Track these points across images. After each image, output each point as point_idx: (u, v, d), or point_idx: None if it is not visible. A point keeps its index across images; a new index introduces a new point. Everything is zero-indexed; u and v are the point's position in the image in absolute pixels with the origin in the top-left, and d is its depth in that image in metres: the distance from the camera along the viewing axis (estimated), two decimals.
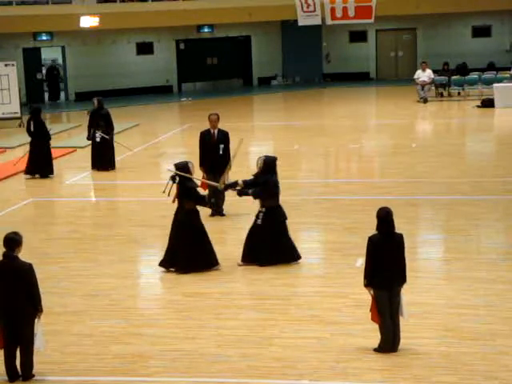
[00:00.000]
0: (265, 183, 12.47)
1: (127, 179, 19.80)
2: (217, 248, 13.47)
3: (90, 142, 21.17)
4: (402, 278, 9.28)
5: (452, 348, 9.25)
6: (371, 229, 14.26)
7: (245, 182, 12.92)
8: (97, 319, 10.57)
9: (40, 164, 19.97)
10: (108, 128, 20.68)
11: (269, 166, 12.68)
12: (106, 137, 20.58)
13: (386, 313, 9.10)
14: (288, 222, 15.08)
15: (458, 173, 18.80)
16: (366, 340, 9.50)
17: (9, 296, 8.64)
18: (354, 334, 9.72)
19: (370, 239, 9.27)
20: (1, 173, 20.62)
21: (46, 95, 38.40)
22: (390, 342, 9.10)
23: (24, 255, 13.76)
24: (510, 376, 8.55)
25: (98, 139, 20.50)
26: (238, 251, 13.61)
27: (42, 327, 8.84)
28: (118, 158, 21.53)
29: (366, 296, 11.00)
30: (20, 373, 8.77)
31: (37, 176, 20.04)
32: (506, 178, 17.91)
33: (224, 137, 15.65)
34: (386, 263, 9.08)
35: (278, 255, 12.43)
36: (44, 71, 38.68)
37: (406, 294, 11.07)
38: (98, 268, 12.77)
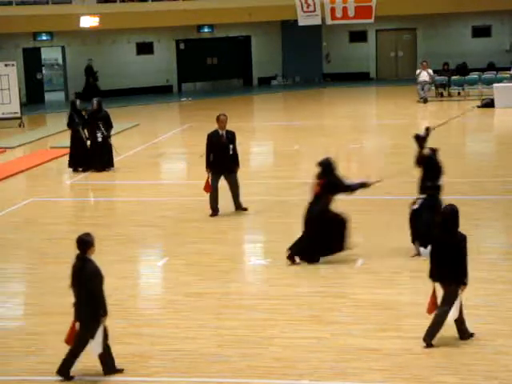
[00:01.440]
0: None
1: (127, 179, 19.79)
2: (217, 248, 13.50)
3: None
4: None
5: (452, 348, 9.25)
6: (371, 229, 14.35)
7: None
8: None
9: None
10: (108, 129, 20.67)
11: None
12: (109, 135, 20.59)
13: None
14: (288, 221, 15.16)
15: (458, 173, 18.78)
16: (366, 340, 9.50)
17: (78, 296, 8.80)
18: (354, 334, 9.72)
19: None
20: (1, 173, 20.62)
21: (46, 95, 38.36)
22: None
23: (24, 255, 13.87)
24: (510, 376, 8.55)
25: (99, 139, 20.49)
26: (238, 251, 13.63)
27: (101, 331, 8.74)
28: (117, 158, 21.53)
29: (365, 296, 11.03)
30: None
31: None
32: (506, 178, 17.91)
33: (232, 136, 15.76)
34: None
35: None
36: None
37: (406, 293, 11.11)
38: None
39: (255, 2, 37.21)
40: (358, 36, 41.60)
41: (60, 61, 39.83)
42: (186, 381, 8.78)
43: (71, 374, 8.84)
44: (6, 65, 29.47)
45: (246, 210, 15.65)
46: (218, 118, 15.68)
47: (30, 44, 36.95)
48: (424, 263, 12.60)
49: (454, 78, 32.85)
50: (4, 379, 8.95)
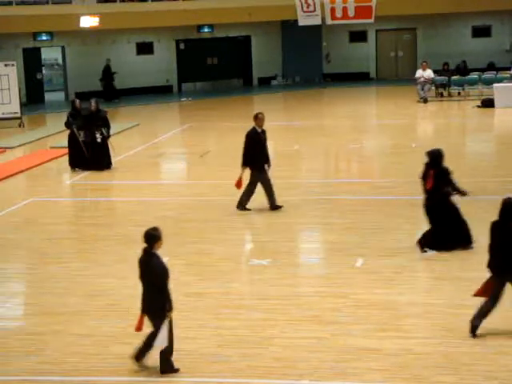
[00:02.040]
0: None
1: (127, 179, 19.80)
2: (217, 248, 13.50)
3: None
4: None
5: (452, 348, 9.25)
6: (371, 229, 14.35)
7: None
8: (97, 319, 10.57)
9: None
10: (107, 129, 20.69)
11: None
12: (108, 136, 20.61)
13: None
14: (288, 221, 15.16)
15: (458, 173, 18.74)
16: (366, 340, 9.50)
17: (145, 290, 8.85)
18: (354, 334, 9.72)
19: None
20: (1, 173, 20.63)
21: (46, 95, 38.36)
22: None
23: (24, 255, 13.88)
24: (510, 376, 8.55)
25: (98, 140, 20.49)
26: (238, 251, 13.63)
27: (167, 326, 8.76)
28: (117, 158, 21.54)
29: (365, 296, 11.03)
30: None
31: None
32: (506, 178, 17.90)
33: (265, 135, 15.96)
34: None
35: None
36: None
37: (406, 293, 11.11)
38: (98, 268, 12.77)
39: (255, 2, 37.21)
40: (358, 36, 41.60)
41: (60, 61, 39.82)
42: (186, 381, 8.78)
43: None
44: (5, 65, 29.46)
45: (281, 207, 15.76)
46: (256, 116, 15.76)
47: (30, 44, 36.94)
48: (424, 263, 12.64)
49: (454, 77, 32.85)
50: (4, 379, 8.95)
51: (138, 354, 9.01)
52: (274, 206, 15.70)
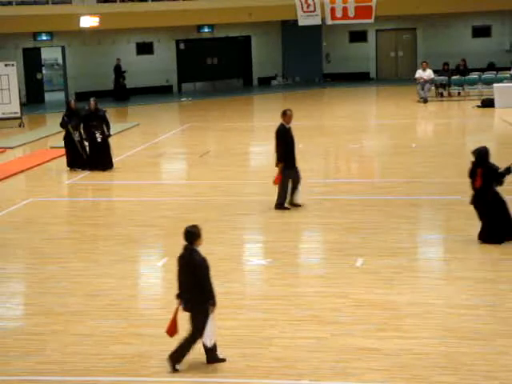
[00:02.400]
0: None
1: (127, 179, 19.79)
2: (216, 248, 13.49)
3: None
4: None
5: (452, 348, 9.25)
6: (371, 228, 14.35)
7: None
8: (97, 319, 10.57)
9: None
10: (107, 128, 20.68)
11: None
12: (109, 135, 20.64)
13: None
14: (288, 221, 15.16)
15: (458, 173, 18.77)
16: (366, 340, 9.50)
17: (186, 287, 8.90)
18: (354, 334, 9.72)
19: None
20: (1, 173, 20.62)
21: (46, 95, 38.34)
22: None
23: (24, 255, 13.87)
24: (510, 376, 8.55)
25: (99, 139, 20.48)
26: (238, 251, 13.63)
27: (213, 322, 8.85)
28: (117, 158, 21.54)
29: (365, 296, 11.03)
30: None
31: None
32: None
33: (291, 131, 15.95)
34: None
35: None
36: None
37: (406, 293, 11.11)
38: (98, 268, 12.77)
39: (255, 2, 37.21)
40: (358, 36, 41.61)
41: (60, 61, 39.82)
42: (186, 381, 8.78)
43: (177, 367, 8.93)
44: (6, 65, 29.47)
45: (300, 205, 15.82)
46: (284, 113, 15.79)
47: (30, 44, 36.94)
48: (424, 263, 12.65)
49: (453, 77, 32.85)
50: (4, 379, 8.95)
51: (175, 357, 8.97)
52: (280, 206, 15.69)
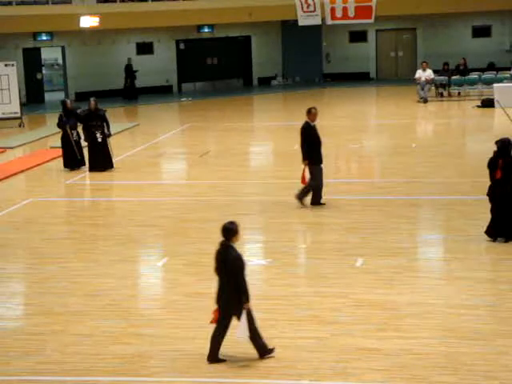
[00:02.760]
0: None
1: (127, 179, 19.79)
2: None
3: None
4: None
5: (452, 348, 9.25)
6: (371, 229, 14.35)
7: None
8: (97, 319, 10.57)
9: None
10: (108, 128, 20.68)
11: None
12: (110, 134, 20.67)
13: None
14: (288, 221, 15.15)
15: (458, 173, 18.79)
16: (366, 340, 9.50)
17: (222, 282, 9.09)
18: (354, 334, 9.72)
19: None
20: (1, 173, 20.62)
21: (46, 95, 38.33)
22: None
23: (24, 255, 13.88)
24: (510, 376, 8.55)
25: (99, 139, 20.48)
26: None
27: (246, 317, 8.96)
28: (117, 158, 21.52)
29: (365, 296, 11.03)
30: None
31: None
32: None
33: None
34: None
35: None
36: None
37: (406, 293, 11.11)
38: (98, 268, 12.77)
39: (255, 2, 37.20)
40: (358, 36, 41.59)
41: (60, 61, 39.81)
42: (185, 381, 8.78)
43: (221, 357, 9.09)
44: (6, 65, 29.45)
45: (324, 204, 15.85)
46: (309, 111, 15.89)
47: (30, 44, 36.92)
48: (424, 263, 12.64)
49: (453, 77, 32.84)
50: (4, 379, 8.95)
51: (213, 356, 9.08)
52: (316, 202, 15.86)
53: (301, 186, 15.94)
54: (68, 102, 21.42)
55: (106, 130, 20.53)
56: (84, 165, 20.79)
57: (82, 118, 20.75)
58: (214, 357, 9.09)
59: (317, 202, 15.89)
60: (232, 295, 8.97)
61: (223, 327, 9.08)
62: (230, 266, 8.99)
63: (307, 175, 15.84)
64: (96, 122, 20.52)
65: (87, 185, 19.69)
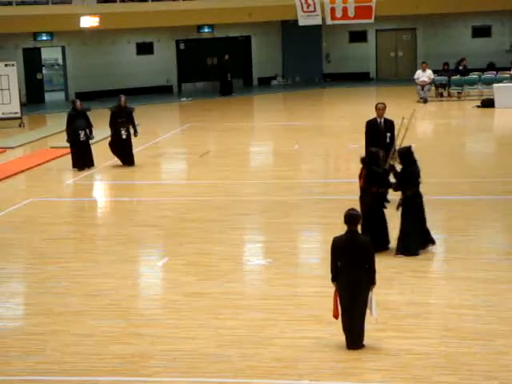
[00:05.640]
0: (408, 175, 12.67)
1: (127, 179, 19.79)
2: (217, 248, 13.50)
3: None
4: None
5: (452, 348, 9.25)
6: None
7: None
8: (97, 319, 10.57)
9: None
10: (133, 126, 21.07)
11: (405, 157, 12.76)
12: (136, 132, 21.07)
13: None
14: (288, 221, 15.15)
15: (458, 173, 18.79)
16: (366, 340, 9.49)
17: (351, 268, 9.24)
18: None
19: None
20: (1, 173, 20.62)
21: (46, 95, 38.31)
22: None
23: (24, 255, 13.88)
24: (510, 376, 8.55)
25: (124, 136, 20.72)
26: (238, 251, 13.62)
27: (375, 297, 9.27)
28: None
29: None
30: (349, 339, 9.29)
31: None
32: (506, 178, 17.90)
33: (390, 125, 15.81)
34: None
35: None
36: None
37: (406, 293, 11.11)
38: (98, 268, 12.77)
39: (255, 2, 37.20)
40: (358, 36, 41.58)
41: (60, 61, 39.81)
42: (185, 381, 8.78)
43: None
44: (6, 65, 29.45)
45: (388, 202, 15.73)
46: (376, 107, 15.81)
47: (30, 44, 36.91)
48: (424, 263, 12.64)
49: (453, 78, 32.84)
50: (4, 379, 8.95)
51: (352, 343, 9.26)
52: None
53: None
54: (78, 102, 21.44)
55: (130, 129, 20.84)
56: (93, 165, 20.83)
57: (110, 114, 21.01)
58: (359, 338, 9.34)
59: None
60: (363, 278, 9.20)
61: (361, 311, 9.23)
62: (363, 250, 9.22)
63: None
64: (123, 119, 20.73)
65: (87, 185, 19.68)
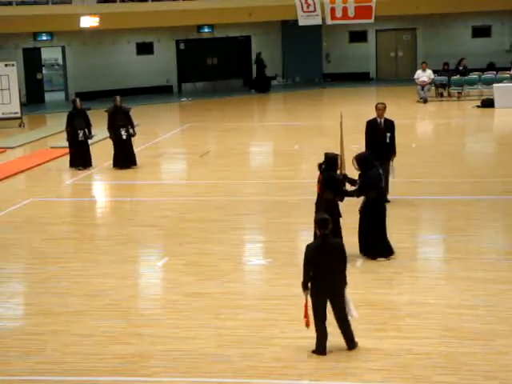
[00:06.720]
0: (367, 179, 12.75)
1: (127, 179, 19.79)
2: (217, 248, 13.49)
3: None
4: None
5: (452, 348, 9.25)
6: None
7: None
8: (97, 319, 10.57)
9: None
10: (131, 126, 20.93)
11: (362, 162, 13.00)
12: (134, 133, 20.93)
13: None
14: (288, 221, 15.15)
15: (458, 173, 18.79)
16: (366, 340, 9.49)
17: (328, 271, 9.26)
18: (354, 334, 9.70)
19: None
20: (1, 173, 20.63)
21: (46, 95, 38.31)
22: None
23: (24, 255, 13.88)
24: (510, 376, 8.55)
25: (124, 137, 20.65)
26: (238, 251, 13.62)
27: (349, 297, 9.32)
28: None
29: (365, 296, 11.03)
30: (345, 344, 9.29)
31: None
32: (506, 178, 17.90)
33: (390, 125, 15.79)
34: None
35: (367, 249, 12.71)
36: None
37: (406, 293, 11.11)
38: (98, 268, 12.77)
39: (255, 2, 37.20)
40: (358, 36, 41.60)
41: (60, 61, 39.82)
42: (185, 381, 8.78)
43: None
44: (6, 65, 29.46)
45: (388, 202, 15.72)
46: (376, 107, 15.79)
47: (30, 44, 36.92)
48: (424, 263, 12.64)
49: (453, 78, 32.84)
50: (4, 379, 8.95)
51: (350, 343, 9.26)
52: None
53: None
54: (78, 101, 21.45)
55: (129, 129, 20.74)
56: (91, 165, 20.87)
57: (108, 116, 20.93)
58: (351, 340, 9.35)
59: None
60: (341, 282, 9.29)
61: (342, 313, 9.27)
62: (336, 254, 9.28)
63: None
64: (121, 119, 20.69)
65: (87, 185, 19.68)
